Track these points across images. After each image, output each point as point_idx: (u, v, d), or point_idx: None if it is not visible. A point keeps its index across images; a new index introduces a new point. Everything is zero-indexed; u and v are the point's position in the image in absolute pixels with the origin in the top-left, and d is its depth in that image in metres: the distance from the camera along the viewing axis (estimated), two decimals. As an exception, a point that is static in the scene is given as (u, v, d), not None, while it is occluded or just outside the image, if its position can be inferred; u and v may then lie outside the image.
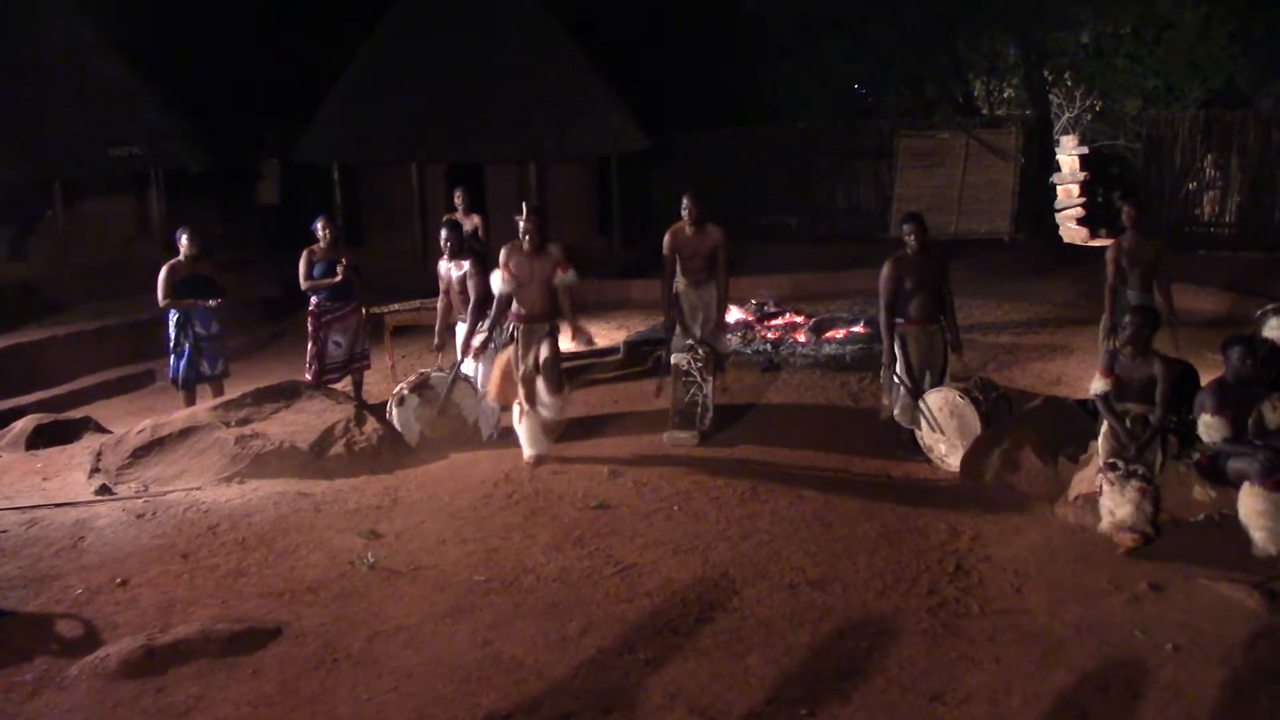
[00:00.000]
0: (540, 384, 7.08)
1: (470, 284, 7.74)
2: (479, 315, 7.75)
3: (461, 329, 7.98)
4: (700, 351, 7.80)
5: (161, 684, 4.34)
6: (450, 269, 7.92)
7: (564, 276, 7.12)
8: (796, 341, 9.98)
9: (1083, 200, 18.46)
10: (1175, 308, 7.91)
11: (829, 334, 10.17)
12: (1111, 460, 5.74)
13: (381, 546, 5.77)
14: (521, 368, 7.11)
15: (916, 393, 6.95)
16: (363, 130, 15.22)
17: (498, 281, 7.07)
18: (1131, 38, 17.50)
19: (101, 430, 8.45)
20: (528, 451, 7.07)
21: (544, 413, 7.14)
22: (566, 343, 7.51)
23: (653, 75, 17.82)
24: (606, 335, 11.60)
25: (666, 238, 7.99)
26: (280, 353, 11.83)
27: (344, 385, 8.82)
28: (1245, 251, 14.16)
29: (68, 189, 13.28)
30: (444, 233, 7.92)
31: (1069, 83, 19.65)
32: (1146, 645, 4.47)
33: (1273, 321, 7.41)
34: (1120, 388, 5.95)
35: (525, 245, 7.06)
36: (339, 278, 8.47)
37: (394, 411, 7.68)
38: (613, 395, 8.88)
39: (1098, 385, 5.99)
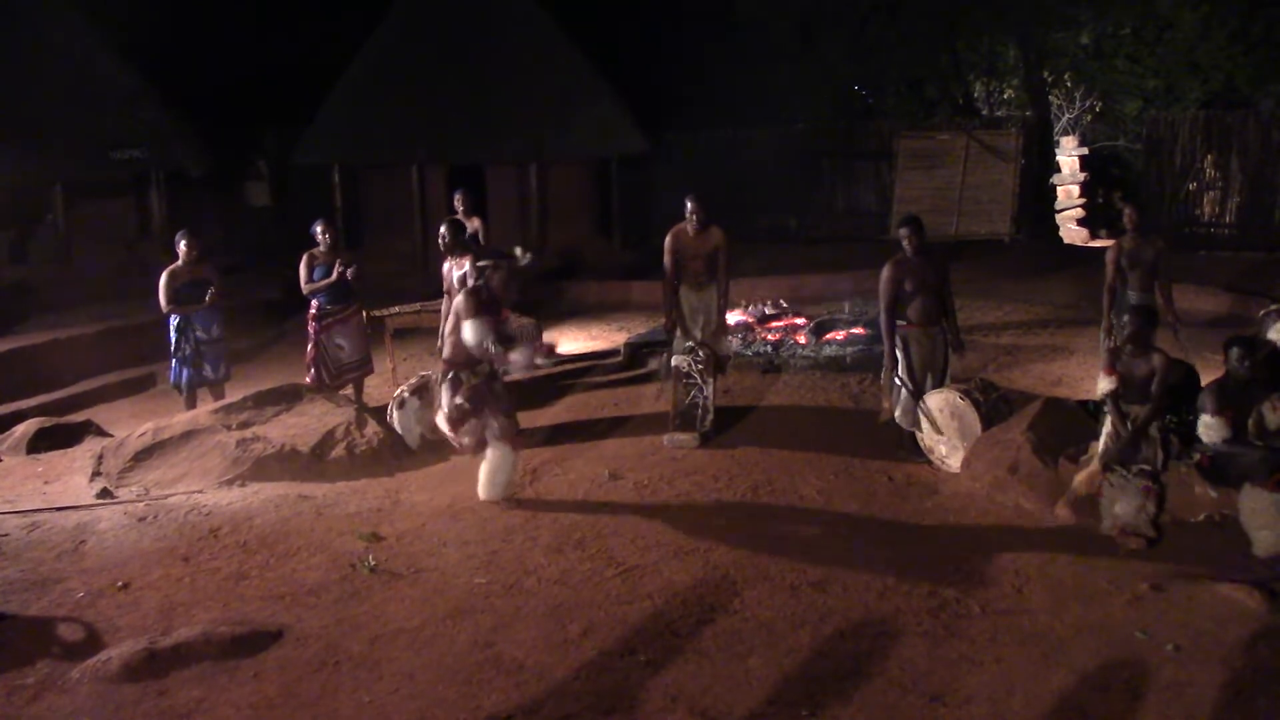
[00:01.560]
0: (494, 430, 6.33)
1: (470, 284, 7.70)
2: None
3: None
4: (701, 354, 7.80)
5: (163, 687, 4.35)
6: (452, 269, 7.90)
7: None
8: (797, 343, 9.98)
9: (1083, 201, 18.47)
10: (1176, 308, 7.92)
11: (829, 335, 10.17)
12: (1112, 461, 5.75)
13: (382, 549, 5.77)
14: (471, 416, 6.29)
15: (917, 394, 6.95)
16: (363, 132, 15.25)
17: (470, 333, 6.11)
18: (1131, 38, 17.52)
19: (103, 434, 8.46)
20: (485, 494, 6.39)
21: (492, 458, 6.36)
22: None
23: (653, 77, 17.84)
24: (607, 337, 11.61)
25: (668, 239, 7.99)
26: (281, 355, 11.83)
27: (345, 388, 8.82)
28: (1245, 252, 14.18)
29: (69, 191, 13.30)
30: (443, 229, 7.79)
31: (1069, 84, 19.68)
32: (1148, 646, 4.47)
33: (1278, 325, 7.38)
34: (1123, 387, 5.96)
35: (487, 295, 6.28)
36: (334, 277, 8.45)
37: (395, 414, 7.69)
38: (613, 398, 8.88)
39: (1104, 385, 5.99)
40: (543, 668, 4.43)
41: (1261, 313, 7.81)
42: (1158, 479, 5.62)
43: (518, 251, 6.47)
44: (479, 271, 6.36)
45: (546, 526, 6.05)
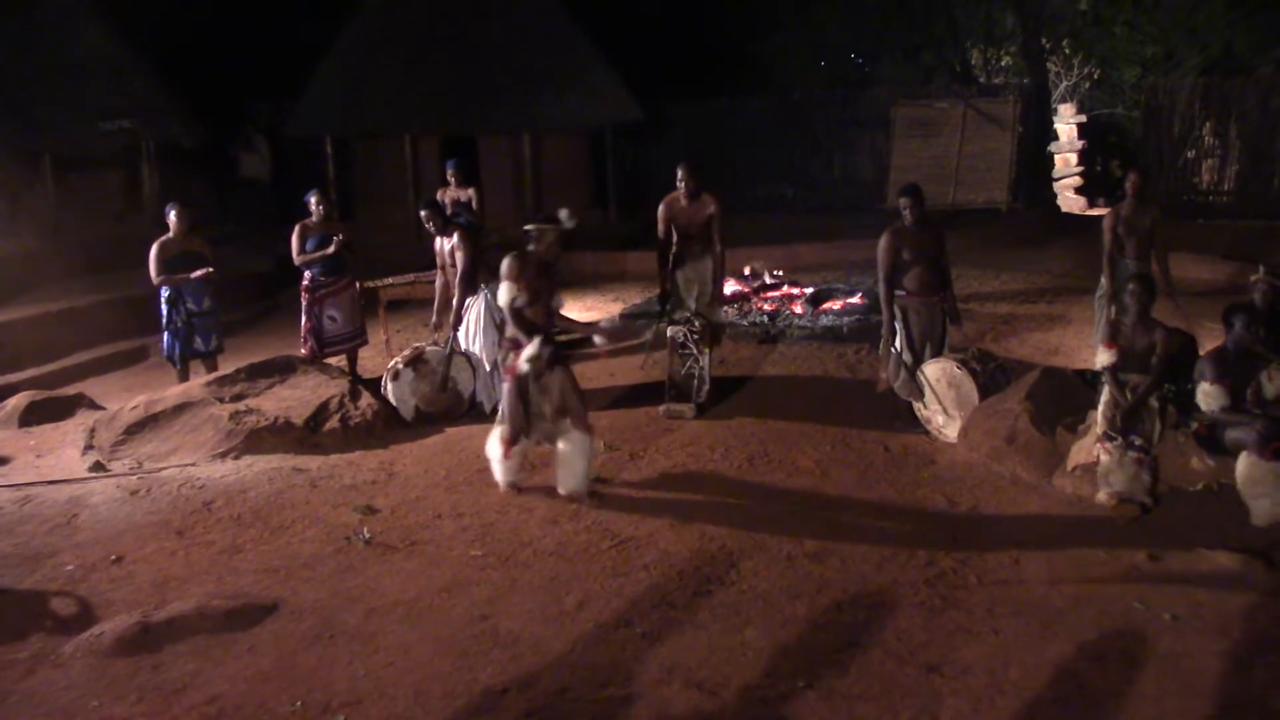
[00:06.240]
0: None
1: (458, 255, 7.65)
2: (469, 287, 7.67)
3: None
4: (696, 324, 7.76)
5: (157, 661, 4.33)
6: (443, 243, 7.85)
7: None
8: (793, 313, 9.93)
9: (1080, 169, 18.38)
10: (1173, 277, 7.86)
11: (825, 305, 10.13)
12: (1109, 431, 5.72)
13: (377, 521, 5.75)
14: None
15: (915, 364, 6.92)
16: (355, 103, 15.12)
17: (502, 293, 5.89)
18: (1130, 5, 17.38)
19: (95, 407, 8.42)
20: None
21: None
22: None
23: (648, 46, 17.70)
24: (602, 308, 11.56)
25: (661, 208, 7.92)
26: (274, 328, 11.78)
27: (339, 360, 8.78)
28: (1244, 220, 14.11)
29: (58, 163, 13.19)
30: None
31: (1067, 51, 19.53)
32: (1145, 615, 4.46)
33: None
34: (1122, 358, 5.93)
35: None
36: (331, 249, 8.40)
37: (389, 386, 7.65)
38: (608, 369, 8.84)
39: (1103, 358, 5.96)
40: (538, 640, 4.42)
41: (1253, 278, 7.77)
42: (1149, 450, 5.60)
43: (563, 215, 6.11)
44: (526, 235, 6.13)
45: (542, 498, 6.03)
